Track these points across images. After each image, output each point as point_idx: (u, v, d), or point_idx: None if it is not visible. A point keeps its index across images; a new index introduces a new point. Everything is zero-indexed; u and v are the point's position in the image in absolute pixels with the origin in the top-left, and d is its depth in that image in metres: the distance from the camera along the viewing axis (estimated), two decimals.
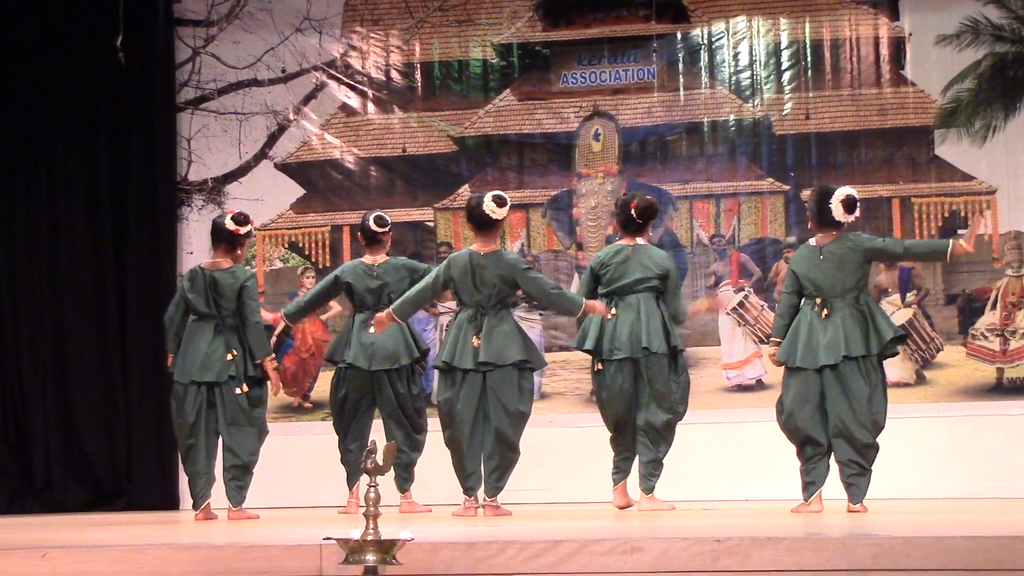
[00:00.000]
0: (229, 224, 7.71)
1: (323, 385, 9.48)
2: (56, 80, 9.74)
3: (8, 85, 9.75)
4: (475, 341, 7.28)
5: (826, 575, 4.60)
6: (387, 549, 4.37)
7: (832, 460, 7.08)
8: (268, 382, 7.82)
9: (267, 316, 8.05)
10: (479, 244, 7.41)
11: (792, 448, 7.94)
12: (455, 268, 7.38)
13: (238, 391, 7.66)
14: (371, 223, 7.98)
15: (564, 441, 9.33)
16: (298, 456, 9.29)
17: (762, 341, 9.37)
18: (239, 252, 7.79)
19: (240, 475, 7.71)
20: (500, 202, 7.34)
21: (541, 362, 7.64)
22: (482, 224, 7.38)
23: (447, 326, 7.70)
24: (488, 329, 7.30)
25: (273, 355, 7.75)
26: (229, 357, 7.65)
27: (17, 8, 9.68)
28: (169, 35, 9.89)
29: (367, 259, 8.02)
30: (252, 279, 7.74)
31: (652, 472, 7.58)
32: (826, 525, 5.86)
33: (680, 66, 9.68)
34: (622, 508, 7.59)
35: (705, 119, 9.64)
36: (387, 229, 8.02)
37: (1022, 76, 9.33)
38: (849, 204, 7.06)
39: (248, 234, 7.82)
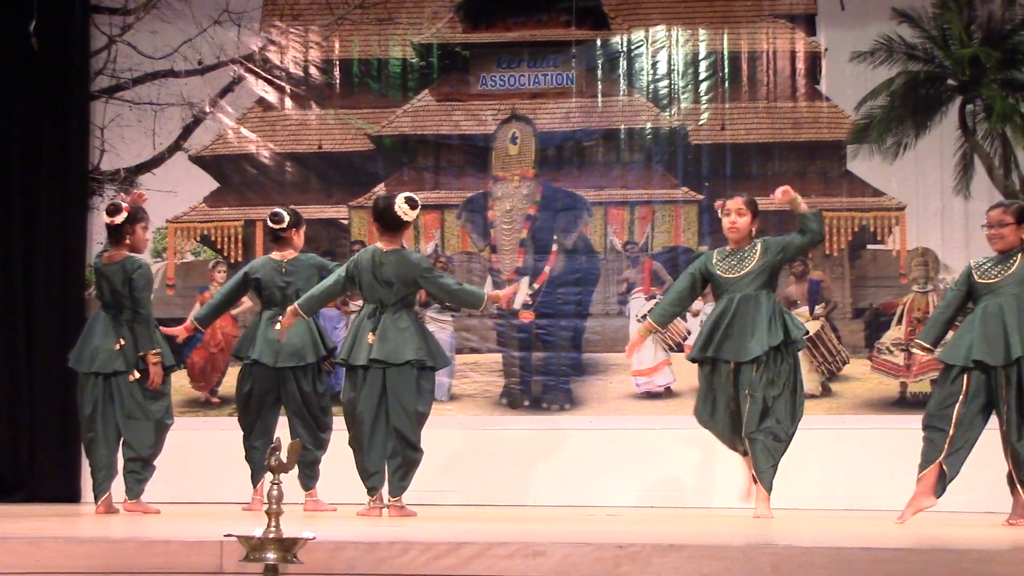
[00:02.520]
0: (104, 216, 7.78)
1: (231, 380, 9.41)
2: None
3: None
4: (370, 338, 7.30)
5: None
6: (288, 547, 4.34)
7: None
8: (169, 374, 7.82)
9: (174, 330, 8.05)
10: (384, 242, 7.46)
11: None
12: (360, 265, 7.40)
13: (130, 378, 7.64)
14: (267, 219, 8.07)
15: (473, 443, 9.33)
16: (204, 451, 9.21)
17: (672, 349, 9.42)
18: (129, 241, 7.75)
19: (138, 468, 7.70)
20: (412, 204, 7.38)
21: (444, 361, 7.61)
22: (391, 224, 7.42)
23: None
24: (384, 327, 7.31)
25: (157, 350, 7.70)
26: (117, 347, 7.63)
27: None
28: (84, 22, 9.76)
29: (276, 255, 8.01)
30: (139, 271, 7.69)
31: None
32: (729, 534, 5.90)
33: (599, 73, 9.71)
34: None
35: (622, 126, 9.68)
36: (284, 225, 8.00)
37: (934, 95, 9.44)
38: None
39: (129, 221, 7.71)
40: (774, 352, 7.35)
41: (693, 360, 7.69)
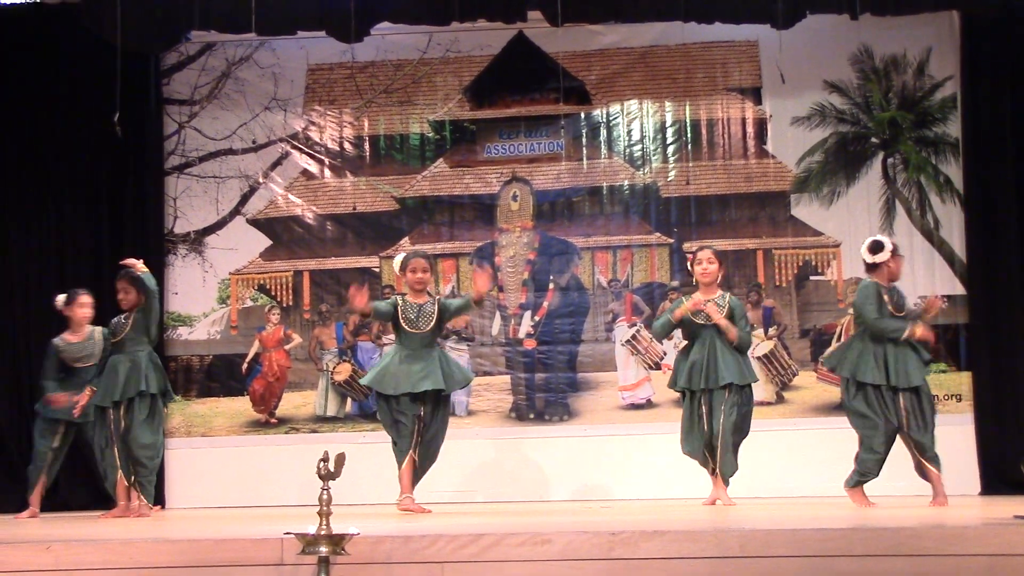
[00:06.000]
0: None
1: (285, 404, 9.46)
2: (65, 149, 9.62)
3: (26, 155, 9.64)
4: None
5: (701, 562, 4.62)
6: (337, 542, 4.34)
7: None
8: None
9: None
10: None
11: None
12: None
13: None
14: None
15: (488, 451, 9.31)
16: (265, 462, 9.19)
17: (651, 368, 9.42)
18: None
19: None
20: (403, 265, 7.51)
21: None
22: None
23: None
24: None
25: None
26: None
27: (34, 91, 9.60)
28: (159, 112, 9.80)
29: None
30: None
31: None
32: (703, 520, 5.88)
33: (584, 140, 9.73)
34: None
35: (604, 184, 9.69)
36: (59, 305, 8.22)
37: (860, 151, 9.47)
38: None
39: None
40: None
41: (679, 390, 7.65)
